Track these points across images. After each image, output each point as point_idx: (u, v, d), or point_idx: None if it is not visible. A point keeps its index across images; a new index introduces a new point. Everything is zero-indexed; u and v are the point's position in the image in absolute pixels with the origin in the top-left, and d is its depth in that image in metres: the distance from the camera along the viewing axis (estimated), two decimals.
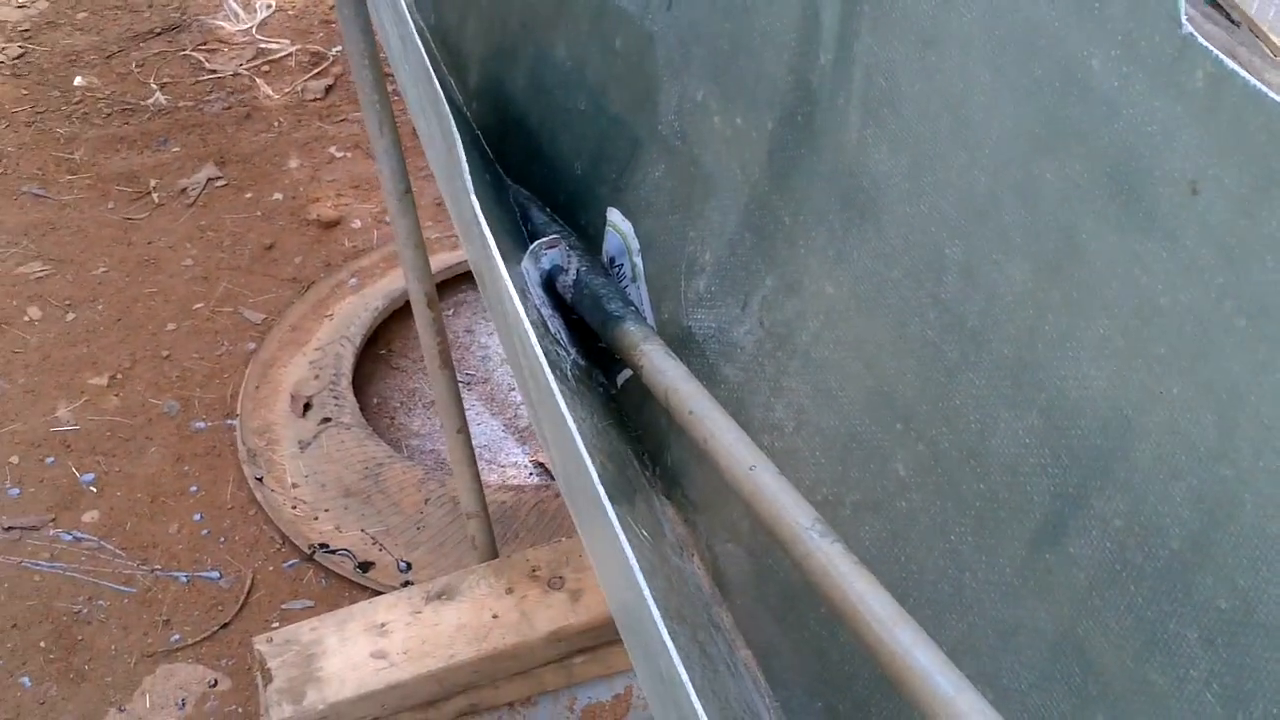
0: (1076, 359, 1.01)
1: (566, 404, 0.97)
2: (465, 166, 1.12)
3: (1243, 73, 0.81)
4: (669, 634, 0.79)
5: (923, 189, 1.17)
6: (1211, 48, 0.83)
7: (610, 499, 1.32)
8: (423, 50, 1.22)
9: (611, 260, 1.76)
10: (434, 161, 1.25)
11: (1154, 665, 0.96)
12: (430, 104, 1.22)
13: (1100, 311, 0.97)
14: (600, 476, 0.93)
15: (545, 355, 1.51)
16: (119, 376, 2.91)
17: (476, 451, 2.69)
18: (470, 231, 1.17)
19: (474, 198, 1.10)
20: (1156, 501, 0.95)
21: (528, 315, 1.56)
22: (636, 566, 0.85)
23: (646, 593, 0.83)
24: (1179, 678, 0.94)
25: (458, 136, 1.15)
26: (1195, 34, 0.85)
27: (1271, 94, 0.79)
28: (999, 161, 1.06)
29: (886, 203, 1.22)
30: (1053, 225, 1.01)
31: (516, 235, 1.88)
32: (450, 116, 1.17)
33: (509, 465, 2.69)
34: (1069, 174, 0.98)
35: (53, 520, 2.54)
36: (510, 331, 1.14)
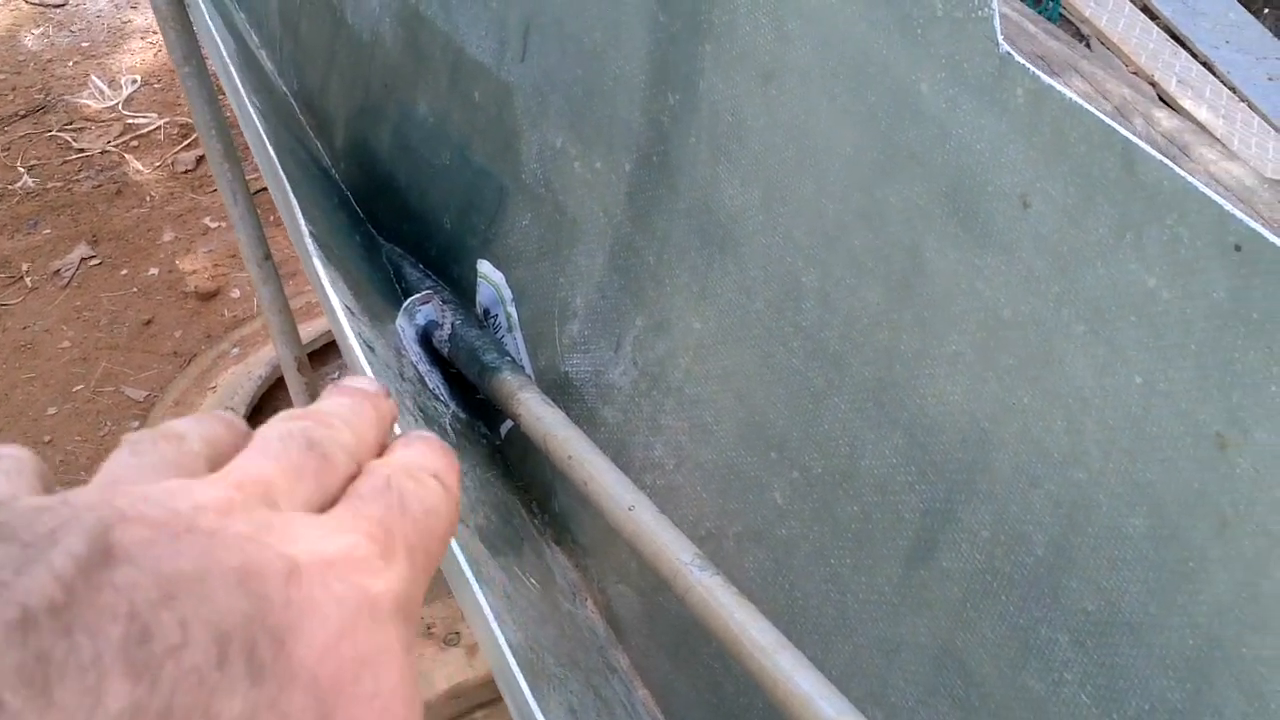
0: (933, 375, 1.03)
1: None
2: (303, 225, 1.12)
3: (1059, 87, 0.84)
4: (535, 700, 0.80)
5: (776, 220, 1.19)
6: (1029, 65, 0.86)
7: (494, 550, 1.33)
8: (257, 121, 1.22)
9: (486, 311, 1.77)
10: (286, 223, 1.26)
11: (1030, 671, 0.99)
12: (270, 171, 1.23)
13: (949, 327, 1.00)
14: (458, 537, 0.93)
15: (424, 410, 1.52)
16: None
17: None
18: (322, 297, 1.17)
19: (317, 261, 1.11)
20: (1018, 510, 0.97)
21: (404, 372, 1.57)
22: (496, 627, 0.86)
23: (506, 650, 0.84)
24: (1054, 681, 0.97)
25: (293, 198, 1.16)
26: (1013, 53, 0.88)
27: (1086, 105, 0.82)
28: (844, 188, 1.08)
29: (743, 235, 1.24)
30: (899, 246, 1.03)
31: (390, 294, 1.88)
32: (285, 180, 1.17)
33: None
34: (909, 196, 1.00)
35: None
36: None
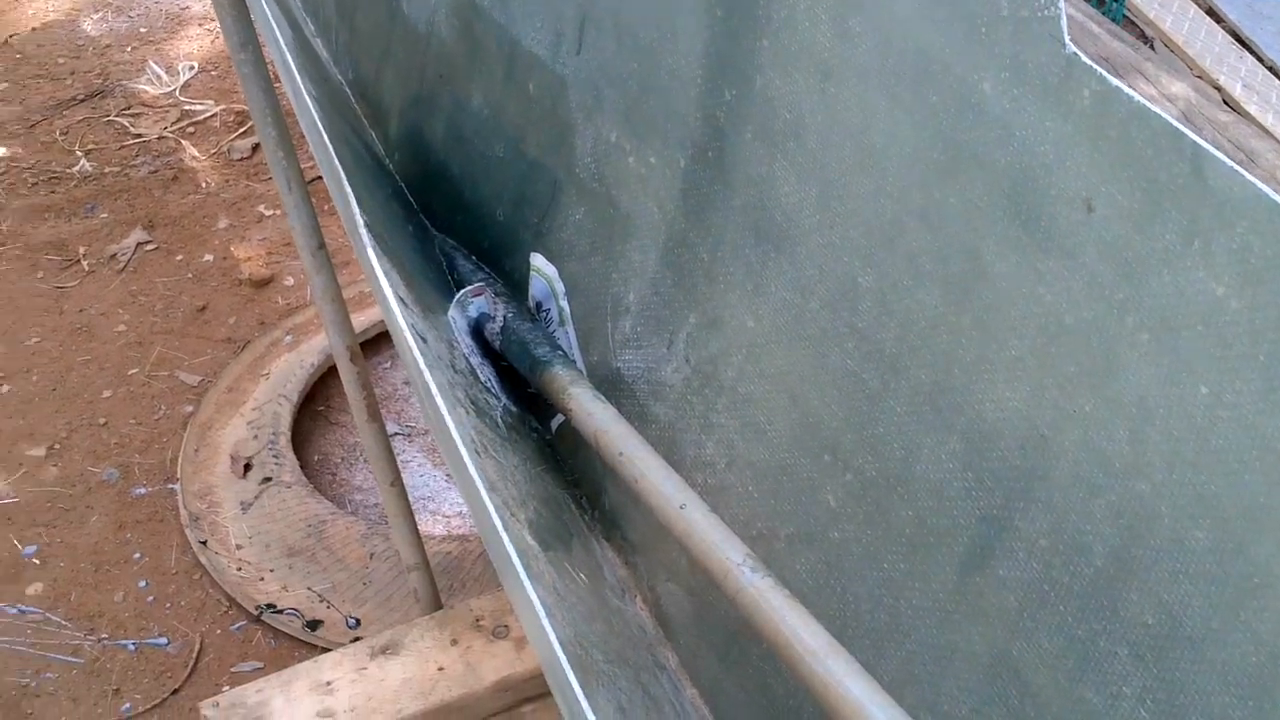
0: (992, 381, 1.01)
1: (471, 460, 0.97)
2: (359, 219, 1.11)
3: (1127, 89, 0.82)
4: (584, 696, 0.79)
5: (832, 218, 1.17)
6: (1095, 66, 0.84)
7: (544, 545, 1.32)
8: (314, 113, 1.21)
9: (538, 305, 1.76)
10: (342, 216, 1.25)
11: (1088, 684, 0.97)
12: (326, 163, 1.22)
13: (1009, 333, 0.98)
14: (505, 527, 0.92)
15: (475, 403, 1.51)
16: (57, 446, 2.88)
17: (420, 503, 2.67)
18: (376, 288, 1.16)
19: (371, 253, 1.10)
20: (1078, 519, 0.95)
21: (455, 364, 1.56)
22: (547, 622, 0.84)
23: (556, 644, 0.82)
24: (1113, 695, 0.95)
25: (350, 191, 1.15)
26: (1079, 54, 0.85)
27: (1155, 109, 0.80)
28: (902, 187, 1.06)
29: (799, 233, 1.23)
30: (958, 248, 1.01)
31: (443, 285, 1.88)
32: (342, 174, 1.16)
33: (453, 515, 2.67)
34: (970, 197, 0.98)
35: None
36: (418, 389, 1.13)
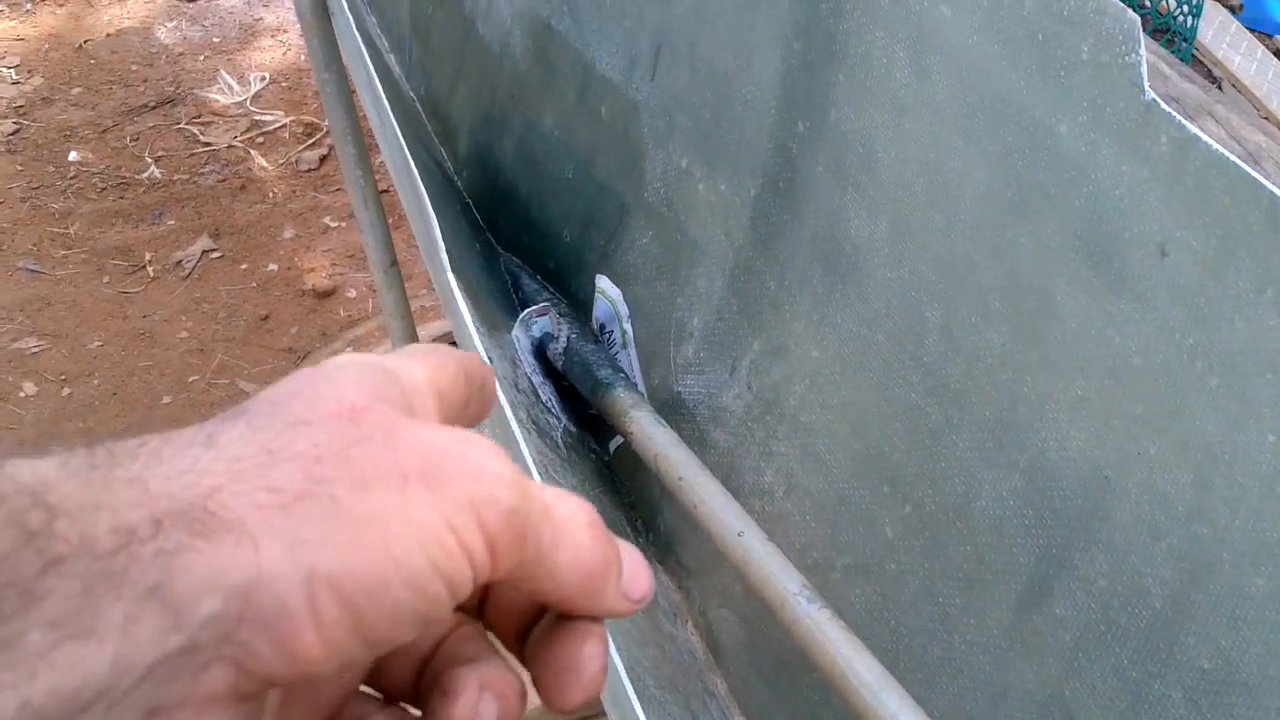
0: (1056, 420, 1.02)
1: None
2: (441, 245, 1.13)
3: (1204, 138, 0.83)
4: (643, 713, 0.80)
5: (902, 253, 1.18)
6: (1175, 114, 0.85)
7: None
8: (399, 135, 1.24)
9: (602, 327, 1.78)
10: (418, 236, 1.27)
11: None
12: (408, 185, 1.24)
13: (1077, 372, 0.99)
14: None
15: (536, 423, 1.53)
16: None
17: None
18: (450, 307, 1.18)
19: (450, 274, 1.12)
20: (1138, 561, 0.96)
21: (518, 384, 1.58)
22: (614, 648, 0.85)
23: (622, 670, 0.84)
24: None
25: (434, 217, 1.17)
26: (1158, 100, 0.86)
27: (1232, 158, 0.81)
28: (974, 225, 1.07)
29: (868, 267, 1.24)
30: (1028, 288, 1.02)
31: (507, 303, 1.90)
32: (426, 199, 1.18)
33: None
34: (1042, 237, 0.99)
35: None
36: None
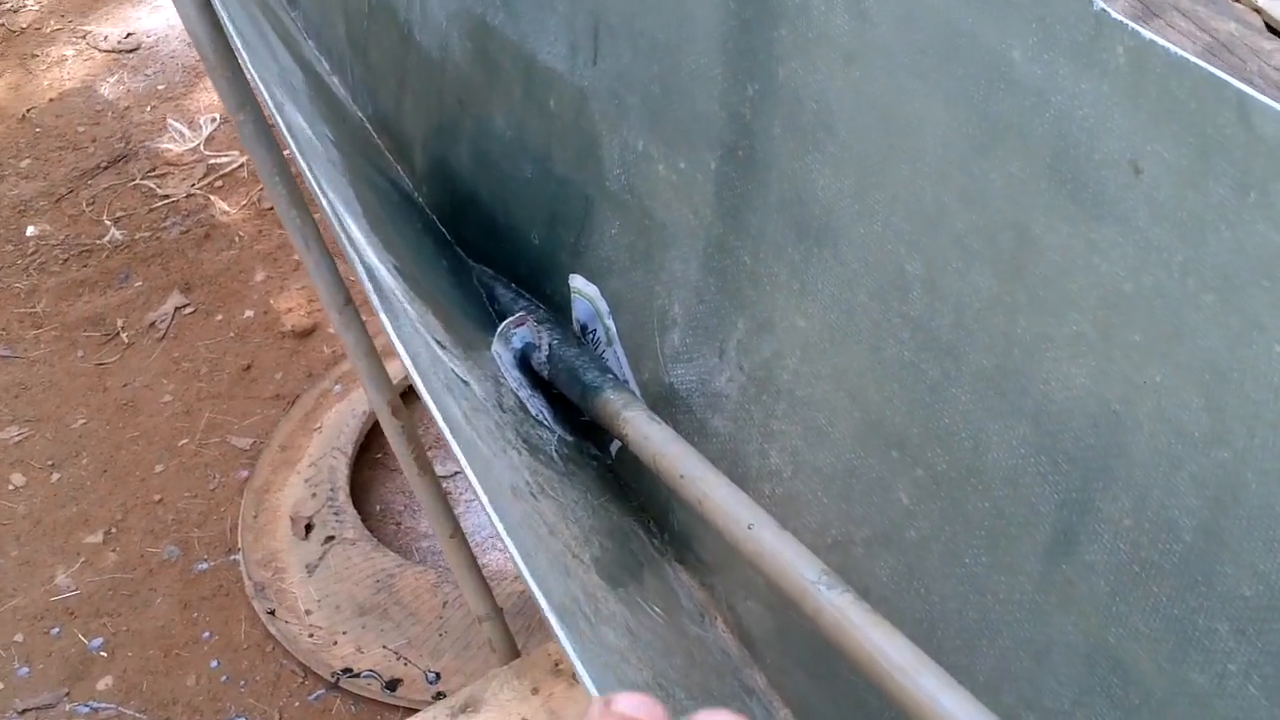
0: (1055, 359, 0.99)
1: (503, 525, 0.96)
2: (370, 287, 1.11)
3: (1162, 42, 0.80)
4: None
5: (872, 207, 1.16)
6: (1126, 21, 0.82)
7: (613, 582, 1.32)
8: (309, 170, 1.21)
9: (583, 327, 1.76)
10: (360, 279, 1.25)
11: (1191, 664, 0.95)
12: (337, 224, 1.21)
13: (1068, 307, 0.96)
14: (540, 587, 0.91)
15: (527, 440, 1.51)
16: (113, 530, 2.90)
17: (489, 541, 2.67)
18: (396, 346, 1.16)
19: (385, 320, 1.10)
20: (1161, 495, 0.93)
21: (503, 402, 1.56)
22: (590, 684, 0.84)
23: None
24: (1218, 674, 0.93)
25: (357, 253, 1.15)
26: (1107, 9, 0.84)
27: (1193, 59, 0.78)
28: (940, 168, 1.05)
29: (840, 226, 1.21)
30: (1005, 225, 1.00)
31: (484, 318, 1.88)
32: (348, 230, 1.16)
33: None
34: (1011, 171, 0.97)
35: (67, 694, 2.53)
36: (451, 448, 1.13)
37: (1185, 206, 0.83)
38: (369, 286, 1.15)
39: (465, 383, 1.42)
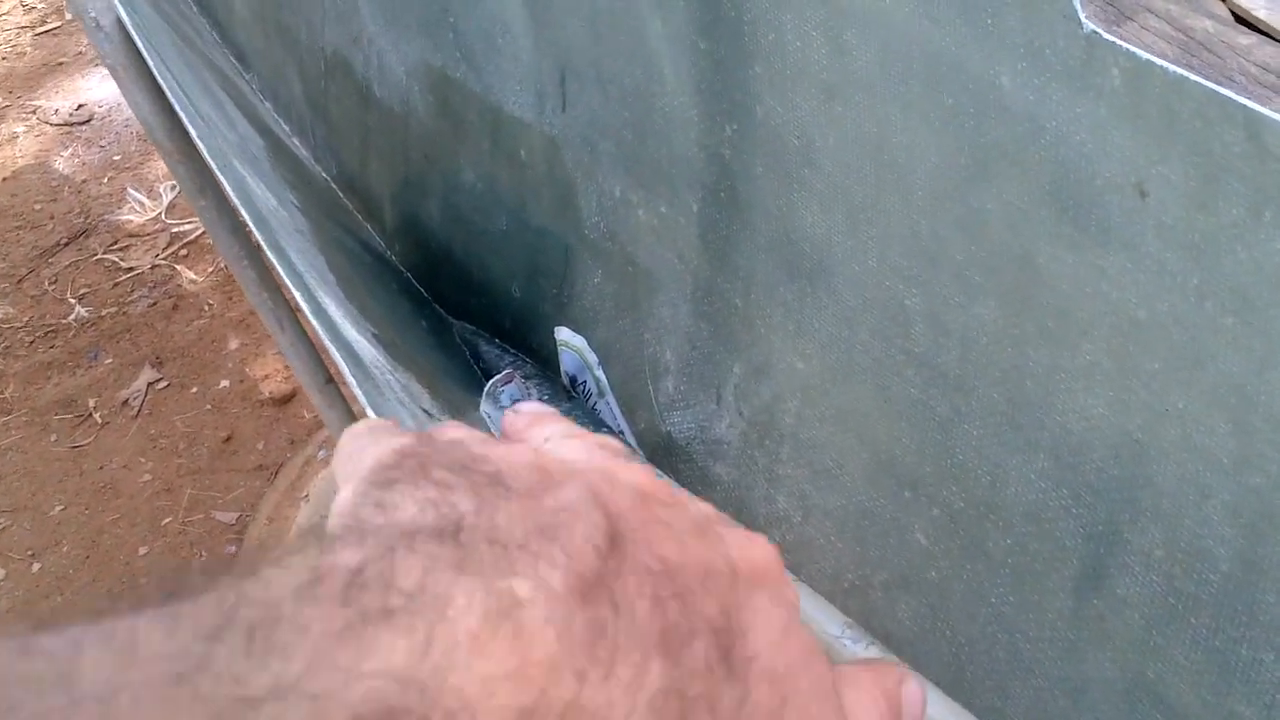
0: (1070, 390, 0.98)
1: None
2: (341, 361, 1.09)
3: (1160, 61, 0.79)
4: None
5: (865, 243, 1.14)
6: (1121, 42, 0.81)
7: None
8: (278, 252, 1.19)
9: (573, 380, 1.74)
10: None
11: (1237, 696, 0.93)
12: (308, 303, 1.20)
13: (1080, 337, 0.95)
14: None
15: None
16: None
17: None
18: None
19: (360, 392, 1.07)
20: (1193, 524, 0.91)
21: None
22: None
23: None
24: (1266, 705, 0.91)
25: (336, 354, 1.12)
26: (1099, 30, 0.82)
27: (1195, 77, 0.77)
28: (934, 199, 1.03)
29: (833, 263, 1.20)
30: (1007, 255, 0.98)
31: (469, 378, 1.86)
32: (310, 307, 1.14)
33: None
34: (1009, 199, 0.95)
35: None
36: None
37: (1196, 229, 0.82)
38: (347, 371, 1.13)
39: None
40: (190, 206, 4.32)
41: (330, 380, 1.21)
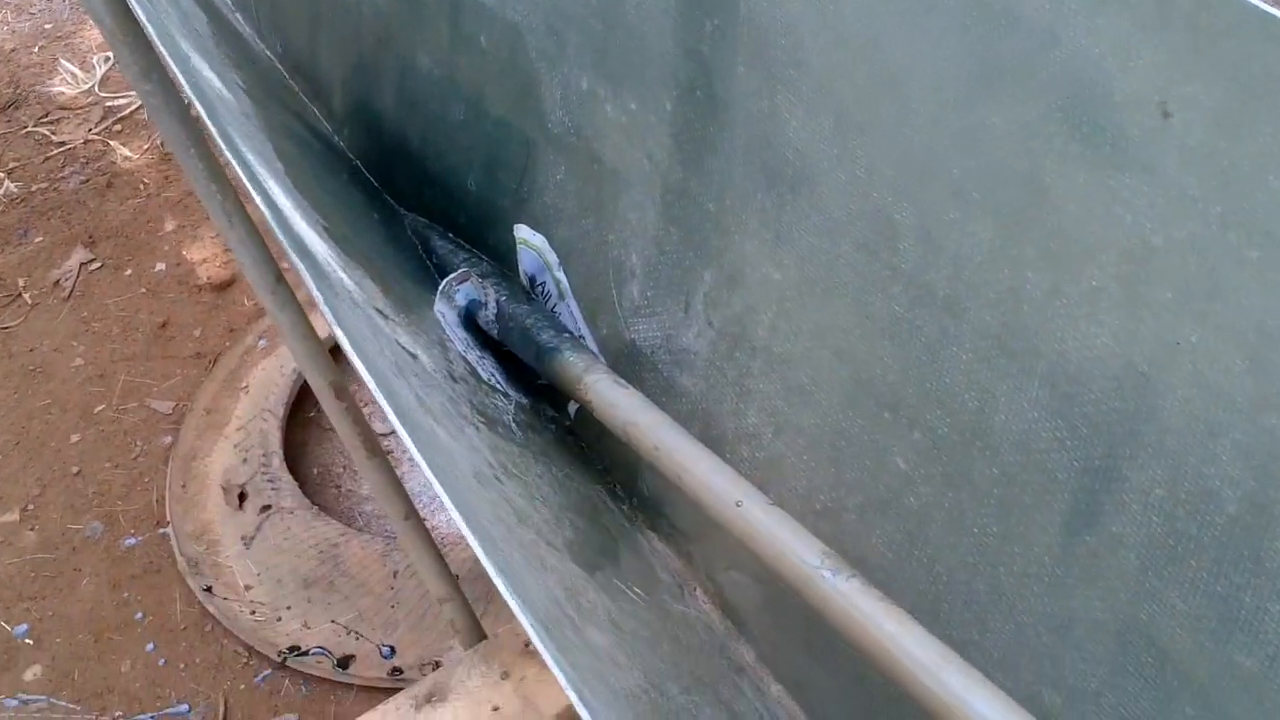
0: (1071, 316, 0.94)
1: (479, 545, 0.90)
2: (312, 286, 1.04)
3: None
4: None
5: (853, 152, 1.10)
6: None
7: (590, 567, 1.26)
8: (213, 129, 1.14)
9: (532, 280, 1.69)
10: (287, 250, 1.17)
11: (1237, 645, 0.90)
12: (267, 205, 1.14)
13: (1086, 261, 0.91)
14: (519, 600, 0.86)
15: (483, 412, 1.44)
16: (30, 507, 2.81)
17: (436, 503, 2.61)
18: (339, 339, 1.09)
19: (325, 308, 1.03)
20: (1199, 463, 0.88)
21: (454, 371, 1.49)
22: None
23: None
24: (1268, 657, 0.89)
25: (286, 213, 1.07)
26: None
27: None
28: (932, 110, 0.99)
29: (817, 172, 1.15)
30: (1010, 173, 0.94)
31: (421, 273, 1.81)
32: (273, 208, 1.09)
33: None
34: (1016, 114, 0.91)
35: None
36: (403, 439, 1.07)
37: (1224, 154, 0.78)
38: (302, 268, 1.09)
39: (413, 355, 1.35)
40: (129, 84, 4.21)
41: (280, 280, 1.16)
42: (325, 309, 1.03)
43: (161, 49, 1.17)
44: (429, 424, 1.16)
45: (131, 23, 1.05)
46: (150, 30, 1.13)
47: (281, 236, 1.15)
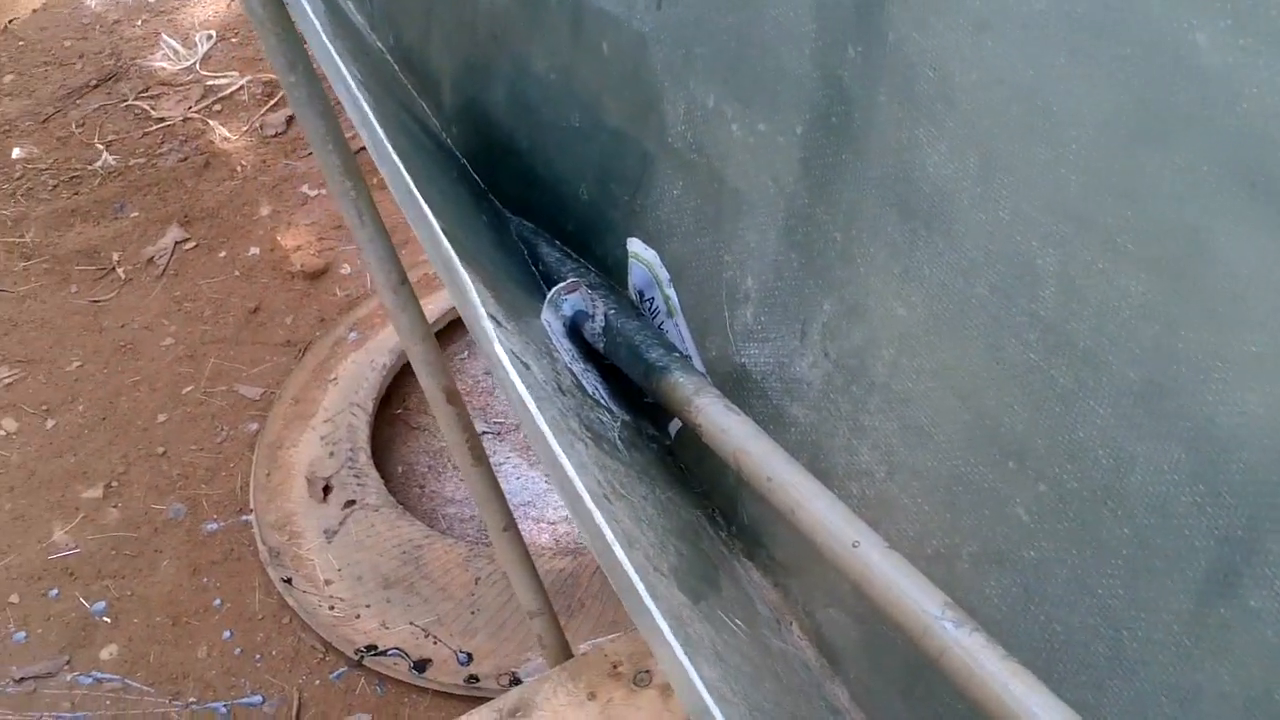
0: (1225, 381, 0.91)
1: (606, 521, 0.88)
2: (481, 313, 1.02)
3: None
4: None
5: (998, 192, 1.07)
6: None
7: (694, 596, 1.24)
8: (377, 124, 1.12)
9: (640, 294, 1.67)
10: (423, 244, 1.16)
11: None
12: (412, 209, 1.13)
13: (1249, 325, 0.88)
14: (657, 605, 0.84)
15: (590, 428, 1.43)
16: (114, 484, 2.83)
17: (521, 509, 2.60)
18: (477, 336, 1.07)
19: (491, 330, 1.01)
20: None
21: (561, 382, 1.48)
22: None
23: None
24: None
25: (463, 275, 1.06)
26: None
27: None
28: (1090, 156, 0.96)
29: (956, 210, 1.13)
30: (1172, 227, 0.91)
31: (527, 279, 1.79)
32: (434, 224, 1.07)
33: (559, 521, 2.59)
34: (1183, 167, 0.88)
35: (67, 662, 2.46)
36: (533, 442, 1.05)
37: None
38: (486, 319, 1.07)
39: (526, 366, 1.34)
40: (226, 57, 4.23)
41: (404, 280, 1.14)
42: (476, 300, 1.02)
43: (312, 42, 1.16)
44: (570, 445, 1.14)
45: (281, 12, 1.05)
46: (316, 19, 1.12)
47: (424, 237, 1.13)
